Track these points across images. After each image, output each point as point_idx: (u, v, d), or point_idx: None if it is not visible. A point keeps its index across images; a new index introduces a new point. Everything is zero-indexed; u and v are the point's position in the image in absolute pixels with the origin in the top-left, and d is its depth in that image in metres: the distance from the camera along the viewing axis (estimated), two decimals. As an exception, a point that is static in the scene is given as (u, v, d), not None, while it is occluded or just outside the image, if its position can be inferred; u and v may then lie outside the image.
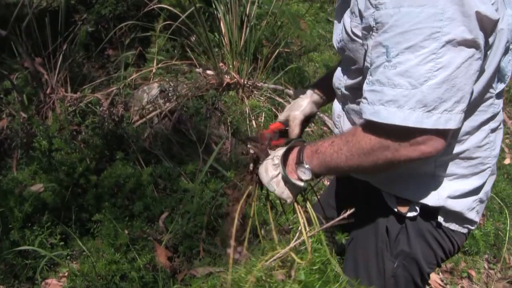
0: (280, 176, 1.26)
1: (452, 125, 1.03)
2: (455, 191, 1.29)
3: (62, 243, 2.34)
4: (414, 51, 0.99)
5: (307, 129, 3.26)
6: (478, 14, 0.98)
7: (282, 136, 1.56)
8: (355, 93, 1.30)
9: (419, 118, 1.01)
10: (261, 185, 1.32)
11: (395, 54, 1.01)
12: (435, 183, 1.29)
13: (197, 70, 3.51)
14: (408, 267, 1.37)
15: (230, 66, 3.51)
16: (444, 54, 0.98)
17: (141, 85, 3.35)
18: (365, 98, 1.09)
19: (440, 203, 1.28)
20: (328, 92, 1.55)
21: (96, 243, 2.32)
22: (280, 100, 3.51)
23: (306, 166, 1.22)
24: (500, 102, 1.28)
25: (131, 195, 2.60)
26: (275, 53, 3.66)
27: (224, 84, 3.42)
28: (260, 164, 1.31)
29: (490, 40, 1.08)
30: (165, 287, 2.19)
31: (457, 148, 1.25)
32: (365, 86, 1.10)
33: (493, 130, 1.29)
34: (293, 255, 1.17)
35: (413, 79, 1.00)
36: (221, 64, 3.57)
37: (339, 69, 1.39)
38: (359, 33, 1.17)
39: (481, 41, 1.01)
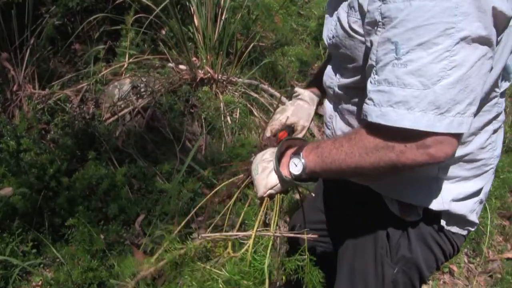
0: (271, 164, 1.24)
1: (464, 129, 0.97)
2: (458, 194, 1.26)
3: (34, 250, 2.23)
4: (426, 48, 0.93)
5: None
6: (494, 9, 0.93)
7: None
8: (350, 92, 1.25)
9: (431, 121, 0.94)
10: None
11: (405, 51, 0.95)
12: (438, 187, 1.24)
13: (170, 64, 3.42)
14: (408, 272, 1.34)
15: (204, 60, 3.43)
16: (458, 51, 0.92)
17: (112, 81, 3.22)
18: (370, 99, 1.02)
19: (445, 207, 1.24)
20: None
21: (70, 249, 2.23)
22: (255, 95, 3.46)
23: (302, 159, 1.18)
24: (503, 101, 1.25)
25: (105, 197, 2.51)
26: (250, 47, 3.60)
27: (198, 79, 3.35)
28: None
29: (499, 37, 1.04)
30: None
31: (462, 151, 1.22)
32: (370, 86, 1.03)
33: (495, 131, 1.27)
34: (230, 244, 1.25)
35: (425, 79, 0.93)
36: (194, 58, 3.49)
37: (329, 67, 1.34)
38: (359, 29, 1.12)
39: (494, 38, 0.96)
